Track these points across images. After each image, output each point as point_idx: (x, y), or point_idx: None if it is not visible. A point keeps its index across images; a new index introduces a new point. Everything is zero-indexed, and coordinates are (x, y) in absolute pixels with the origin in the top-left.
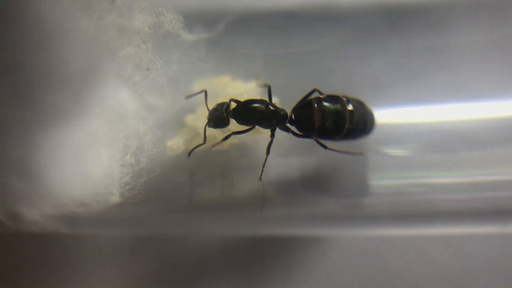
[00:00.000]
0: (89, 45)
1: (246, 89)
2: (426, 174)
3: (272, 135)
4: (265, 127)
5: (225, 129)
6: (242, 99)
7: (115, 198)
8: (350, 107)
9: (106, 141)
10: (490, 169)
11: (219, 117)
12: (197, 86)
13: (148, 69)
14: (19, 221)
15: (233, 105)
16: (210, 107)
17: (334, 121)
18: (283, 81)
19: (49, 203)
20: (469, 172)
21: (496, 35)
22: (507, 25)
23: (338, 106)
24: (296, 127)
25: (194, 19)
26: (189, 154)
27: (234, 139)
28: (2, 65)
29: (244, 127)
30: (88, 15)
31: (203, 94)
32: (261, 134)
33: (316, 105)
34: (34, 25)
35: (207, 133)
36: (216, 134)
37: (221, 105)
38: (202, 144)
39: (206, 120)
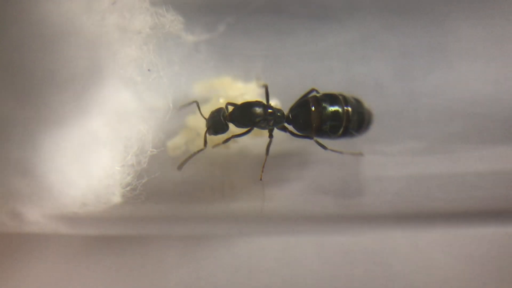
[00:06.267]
0: (90, 46)
1: (247, 90)
2: (426, 174)
3: (271, 136)
4: (263, 128)
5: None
6: (238, 102)
7: (117, 199)
8: (347, 105)
9: (107, 142)
10: (490, 169)
11: (217, 123)
12: (198, 87)
13: (149, 70)
14: (20, 221)
15: (230, 109)
16: (206, 114)
17: (331, 119)
18: (283, 81)
19: (50, 203)
20: (469, 172)
21: (495, 34)
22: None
23: (335, 105)
24: (293, 127)
25: (194, 20)
26: (180, 166)
27: (234, 139)
28: (4, 66)
29: (242, 130)
30: (90, 16)
31: (195, 104)
32: (262, 135)
33: (313, 104)
34: (36, 27)
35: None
36: None
37: (217, 111)
38: (202, 150)
39: (205, 128)
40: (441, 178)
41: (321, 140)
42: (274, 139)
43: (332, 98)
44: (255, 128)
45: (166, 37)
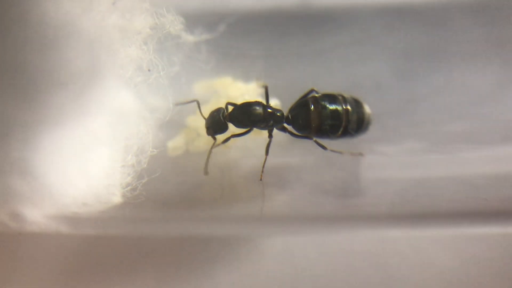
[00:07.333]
0: (91, 46)
1: (247, 90)
2: (426, 174)
3: (270, 136)
4: (262, 128)
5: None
6: (238, 102)
7: (117, 199)
8: (346, 105)
9: (107, 142)
10: (490, 169)
11: (217, 123)
12: (198, 88)
13: (149, 70)
14: (21, 221)
15: (230, 109)
16: (206, 114)
17: (330, 119)
18: (283, 82)
19: (50, 204)
20: (469, 172)
21: (495, 36)
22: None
23: (334, 105)
24: (293, 127)
25: (195, 20)
26: (205, 171)
27: (234, 139)
28: (4, 66)
29: (242, 130)
30: (90, 16)
31: (196, 103)
32: (262, 135)
33: (312, 104)
34: (36, 27)
35: (206, 134)
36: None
37: (217, 111)
38: (214, 144)
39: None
40: (441, 178)
41: (320, 141)
42: (274, 139)
43: (332, 98)
44: (255, 128)
45: (166, 37)
